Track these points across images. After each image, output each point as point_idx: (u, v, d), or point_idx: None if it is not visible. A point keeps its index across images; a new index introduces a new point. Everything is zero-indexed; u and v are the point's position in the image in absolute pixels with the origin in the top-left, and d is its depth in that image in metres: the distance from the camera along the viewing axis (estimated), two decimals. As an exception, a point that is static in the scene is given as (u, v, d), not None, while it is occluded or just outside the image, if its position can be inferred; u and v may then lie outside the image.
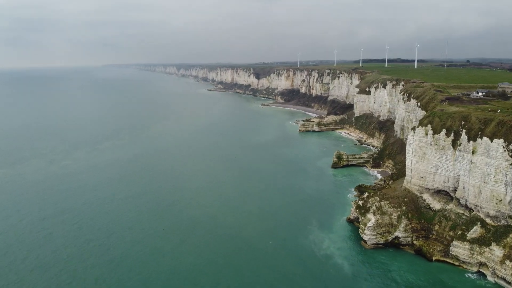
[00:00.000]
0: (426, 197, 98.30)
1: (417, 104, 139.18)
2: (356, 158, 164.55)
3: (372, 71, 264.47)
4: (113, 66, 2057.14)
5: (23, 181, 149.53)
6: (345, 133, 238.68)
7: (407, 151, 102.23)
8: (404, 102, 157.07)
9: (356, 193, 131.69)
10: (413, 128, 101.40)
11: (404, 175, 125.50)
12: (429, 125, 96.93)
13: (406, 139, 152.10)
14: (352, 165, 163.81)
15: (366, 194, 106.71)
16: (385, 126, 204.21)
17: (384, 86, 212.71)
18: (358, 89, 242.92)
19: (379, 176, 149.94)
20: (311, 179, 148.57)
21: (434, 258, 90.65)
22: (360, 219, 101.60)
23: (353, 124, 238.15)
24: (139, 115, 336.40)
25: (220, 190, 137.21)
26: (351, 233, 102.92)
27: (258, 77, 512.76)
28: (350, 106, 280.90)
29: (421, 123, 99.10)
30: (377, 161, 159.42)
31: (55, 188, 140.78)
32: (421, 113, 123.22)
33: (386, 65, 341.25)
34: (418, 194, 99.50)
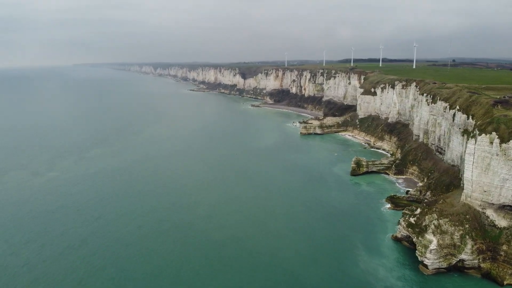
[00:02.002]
0: (490, 213, 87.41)
1: (447, 107, 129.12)
2: (376, 164, 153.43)
3: (374, 71, 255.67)
4: (85, 65, 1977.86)
5: (3, 198, 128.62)
6: (349, 135, 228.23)
7: (466, 162, 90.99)
8: (428, 105, 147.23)
9: (389, 205, 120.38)
10: (473, 136, 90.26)
11: (444, 185, 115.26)
12: (494, 133, 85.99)
13: (432, 143, 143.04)
14: (372, 171, 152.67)
15: (418, 210, 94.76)
16: (395, 128, 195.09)
17: (393, 87, 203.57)
18: (362, 90, 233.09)
19: (404, 184, 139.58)
20: (333, 189, 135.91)
21: (505, 282, 79.91)
22: (415, 240, 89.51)
23: (358, 126, 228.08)
24: (124, 118, 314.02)
25: (237, 206, 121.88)
26: (404, 256, 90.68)
27: (244, 77, 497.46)
28: (349, 107, 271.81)
29: (484, 130, 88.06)
30: (399, 168, 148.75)
31: (44, 206, 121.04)
32: (462, 117, 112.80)
33: (380, 65, 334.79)
34: (480, 210, 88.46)
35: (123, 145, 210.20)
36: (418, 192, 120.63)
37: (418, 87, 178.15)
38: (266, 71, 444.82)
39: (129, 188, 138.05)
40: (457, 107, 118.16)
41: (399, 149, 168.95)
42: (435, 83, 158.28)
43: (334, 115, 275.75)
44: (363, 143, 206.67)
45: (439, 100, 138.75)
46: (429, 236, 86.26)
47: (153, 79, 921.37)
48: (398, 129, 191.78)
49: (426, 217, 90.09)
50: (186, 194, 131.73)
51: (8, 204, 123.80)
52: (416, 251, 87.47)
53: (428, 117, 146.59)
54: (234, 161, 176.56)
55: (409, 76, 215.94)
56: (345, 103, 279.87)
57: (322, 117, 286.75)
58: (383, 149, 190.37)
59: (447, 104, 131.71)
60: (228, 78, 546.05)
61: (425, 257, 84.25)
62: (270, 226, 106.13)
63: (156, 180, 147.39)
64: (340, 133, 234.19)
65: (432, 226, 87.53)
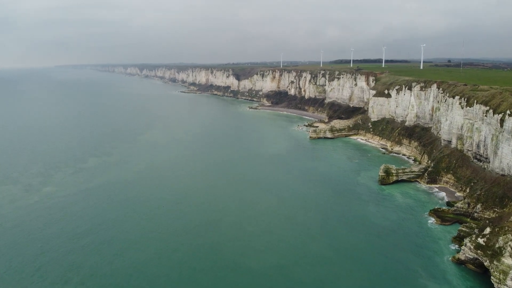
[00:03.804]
0: None
1: (490, 111, 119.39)
2: (407, 172, 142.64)
3: (383, 72, 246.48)
4: (67, 66, 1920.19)
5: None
6: (362, 139, 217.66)
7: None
8: (463, 108, 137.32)
9: (434, 219, 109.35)
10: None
11: (496, 197, 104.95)
12: None
13: (469, 150, 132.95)
14: (402, 180, 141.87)
15: (488, 230, 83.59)
16: (414, 132, 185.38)
17: (410, 88, 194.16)
18: (374, 92, 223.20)
19: (441, 194, 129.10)
20: (367, 202, 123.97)
21: None
22: (487, 264, 78.32)
23: (371, 130, 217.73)
24: (117, 122, 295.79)
25: (266, 224, 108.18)
26: (474, 283, 79.42)
27: (238, 78, 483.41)
28: (355, 110, 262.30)
29: None
30: (432, 176, 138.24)
31: (45, 230, 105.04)
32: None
33: (383, 65, 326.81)
34: (561, 229, 77.91)
35: (121, 153, 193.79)
36: (466, 205, 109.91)
37: (440, 88, 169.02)
38: (262, 72, 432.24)
39: (138, 205, 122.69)
40: (508, 111, 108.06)
41: (425, 155, 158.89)
42: (466, 85, 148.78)
43: (340, 118, 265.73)
44: (380, 148, 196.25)
45: (477, 103, 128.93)
46: (507, 260, 75.08)
47: (140, 81, 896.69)
48: (418, 133, 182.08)
49: (500, 238, 78.97)
50: (205, 211, 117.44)
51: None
52: (492, 277, 76.14)
53: (463, 121, 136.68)
54: (248, 170, 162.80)
55: (421, 77, 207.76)
56: (351, 105, 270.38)
57: (327, 119, 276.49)
58: (403, 154, 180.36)
59: (488, 107, 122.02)
60: (221, 79, 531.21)
61: (505, 285, 73.04)
62: (312, 250, 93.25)
63: (168, 195, 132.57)
64: (351, 137, 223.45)
65: (509, 249, 76.39)
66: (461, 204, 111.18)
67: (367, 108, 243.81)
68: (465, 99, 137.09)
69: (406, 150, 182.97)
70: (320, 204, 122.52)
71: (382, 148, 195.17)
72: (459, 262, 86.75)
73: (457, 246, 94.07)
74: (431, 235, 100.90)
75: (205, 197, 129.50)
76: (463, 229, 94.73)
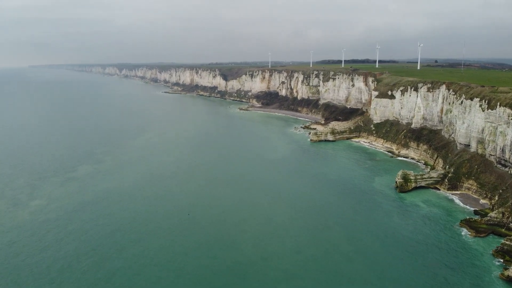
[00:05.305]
0: None
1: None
2: (425, 178, 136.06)
3: (383, 73, 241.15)
4: (42, 67, 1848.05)
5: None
6: (364, 142, 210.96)
7: None
8: (484, 111, 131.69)
9: (467, 231, 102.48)
10: None
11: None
12: None
13: (491, 154, 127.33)
14: (420, 187, 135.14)
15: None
16: (422, 135, 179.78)
17: (416, 89, 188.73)
18: (376, 93, 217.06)
19: (463, 201, 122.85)
20: (391, 213, 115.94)
21: None
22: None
23: (373, 132, 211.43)
24: (105, 126, 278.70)
25: (292, 242, 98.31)
26: (537, 307, 72.41)
27: (226, 78, 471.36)
28: (353, 111, 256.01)
29: None
30: (453, 182, 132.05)
31: (40, 254, 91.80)
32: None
33: (377, 66, 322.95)
34: None
35: (115, 160, 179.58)
36: (500, 215, 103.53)
37: (451, 90, 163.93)
38: (251, 73, 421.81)
39: (141, 220, 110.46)
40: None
41: (439, 159, 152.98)
42: (483, 86, 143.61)
43: (337, 119, 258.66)
44: (386, 151, 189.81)
45: (500, 106, 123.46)
46: None
47: (119, 81, 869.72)
48: (426, 136, 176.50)
49: None
50: (219, 225, 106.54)
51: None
52: (558, 302, 69.36)
53: (484, 124, 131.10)
54: (255, 175, 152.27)
55: (422, 77, 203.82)
56: (348, 107, 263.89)
57: (323, 121, 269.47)
58: (412, 158, 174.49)
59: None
60: (207, 79, 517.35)
61: None
62: (346, 272, 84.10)
63: (172, 206, 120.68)
64: (353, 140, 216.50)
65: None
66: (495, 214, 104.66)
67: (366, 109, 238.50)
68: (486, 101, 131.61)
69: (414, 153, 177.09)
70: (341, 216, 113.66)
71: (388, 152, 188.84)
72: (508, 280, 79.69)
73: (501, 260, 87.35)
74: (469, 248, 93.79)
75: (214, 208, 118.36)
76: (506, 242, 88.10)
